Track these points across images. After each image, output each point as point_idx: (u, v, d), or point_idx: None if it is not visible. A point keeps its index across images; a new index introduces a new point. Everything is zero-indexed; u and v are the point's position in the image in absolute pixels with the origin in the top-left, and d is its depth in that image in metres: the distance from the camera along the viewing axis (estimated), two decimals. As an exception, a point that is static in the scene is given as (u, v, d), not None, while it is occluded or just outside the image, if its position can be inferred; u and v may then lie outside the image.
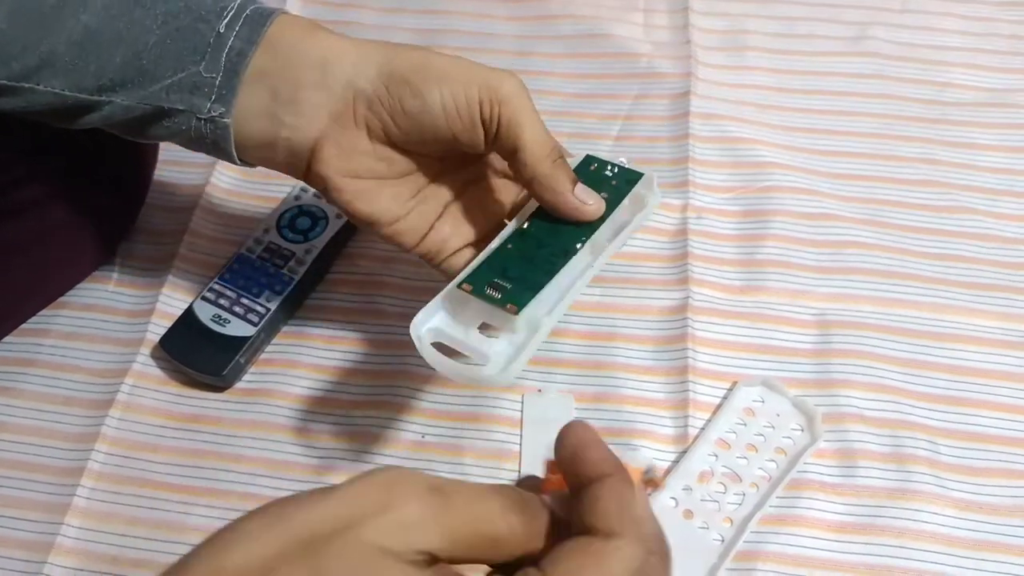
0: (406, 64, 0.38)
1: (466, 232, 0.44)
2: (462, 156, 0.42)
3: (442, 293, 0.39)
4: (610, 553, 0.24)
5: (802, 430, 0.48)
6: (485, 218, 0.45)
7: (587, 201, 0.41)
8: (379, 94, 0.38)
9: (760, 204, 0.58)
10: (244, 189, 0.60)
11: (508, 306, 0.38)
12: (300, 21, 0.39)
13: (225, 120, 0.38)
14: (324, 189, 0.40)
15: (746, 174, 0.60)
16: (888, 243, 0.56)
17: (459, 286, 0.39)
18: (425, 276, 0.54)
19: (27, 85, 0.38)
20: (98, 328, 0.53)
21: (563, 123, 0.64)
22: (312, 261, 0.54)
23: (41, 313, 0.53)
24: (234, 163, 0.41)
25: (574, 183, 0.41)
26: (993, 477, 0.46)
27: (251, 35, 0.37)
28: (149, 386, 0.51)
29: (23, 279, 0.52)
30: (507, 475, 0.47)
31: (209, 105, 0.38)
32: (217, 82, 0.37)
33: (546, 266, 0.39)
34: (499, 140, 0.40)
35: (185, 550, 0.47)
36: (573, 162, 0.44)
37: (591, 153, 0.44)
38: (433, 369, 0.37)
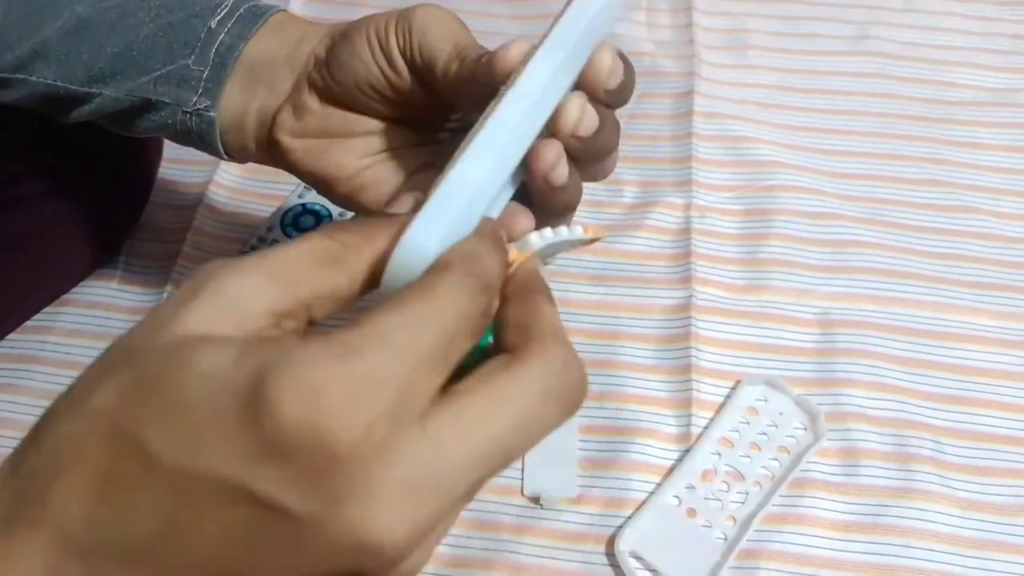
0: (346, 25, 0.36)
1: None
2: (430, 124, 0.39)
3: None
4: (436, 279, 0.22)
5: (805, 429, 0.48)
6: None
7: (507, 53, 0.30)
8: (323, 50, 0.37)
9: (763, 203, 0.58)
10: (248, 187, 0.60)
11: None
12: (294, 17, 0.39)
13: (211, 113, 0.38)
14: (277, 153, 0.39)
15: (749, 173, 0.60)
16: (891, 242, 0.56)
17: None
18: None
19: (21, 76, 0.38)
20: (101, 326, 0.53)
21: (566, 122, 0.64)
22: (315, 259, 0.54)
23: (44, 310, 0.53)
24: (220, 157, 0.40)
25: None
26: (997, 476, 0.46)
27: (242, 31, 0.38)
28: (152, 384, 0.51)
29: (24, 275, 0.52)
30: (509, 474, 0.47)
31: (195, 98, 0.38)
32: (205, 75, 0.37)
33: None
34: (421, 72, 0.34)
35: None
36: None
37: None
38: None
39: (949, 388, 0.50)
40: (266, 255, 0.23)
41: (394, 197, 0.34)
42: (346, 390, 0.19)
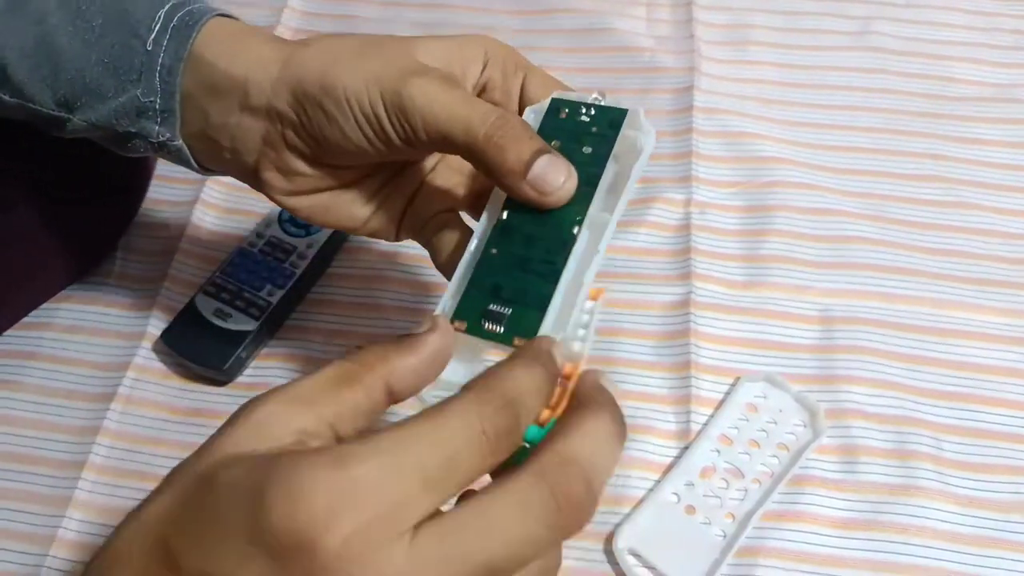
0: (312, 80, 0.34)
1: (441, 200, 0.40)
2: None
3: None
4: (450, 403, 0.24)
5: (805, 426, 0.48)
6: (458, 180, 0.41)
7: (549, 183, 0.31)
8: (299, 121, 0.35)
9: (763, 199, 0.58)
10: (244, 184, 0.60)
11: (517, 341, 0.30)
12: (226, 28, 0.37)
13: (175, 143, 0.37)
14: (290, 210, 0.39)
15: (749, 169, 0.59)
16: (891, 239, 0.56)
17: (451, 323, 0.31)
18: (426, 271, 0.54)
19: None
20: (99, 322, 0.53)
21: (565, 117, 0.63)
22: (313, 255, 0.54)
23: (42, 307, 0.53)
24: (205, 176, 0.40)
25: (534, 155, 0.31)
26: (996, 473, 0.46)
27: (179, 50, 0.36)
28: (151, 380, 0.51)
29: (20, 271, 0.52)
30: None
31: (157, 129, 0.37)
32: (157, 106, 0.36)
33: (544, 268, 0.31)
34: (425, 140, 0.34)
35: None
36: (539, 110, 0.35)
37: (558, 95, 0.35)
38: None
39: (949, 385, 0.50)
40: (290, 385, 0.25)
41: (407, 220, 0.37)
42: (332, 497, 0.21)
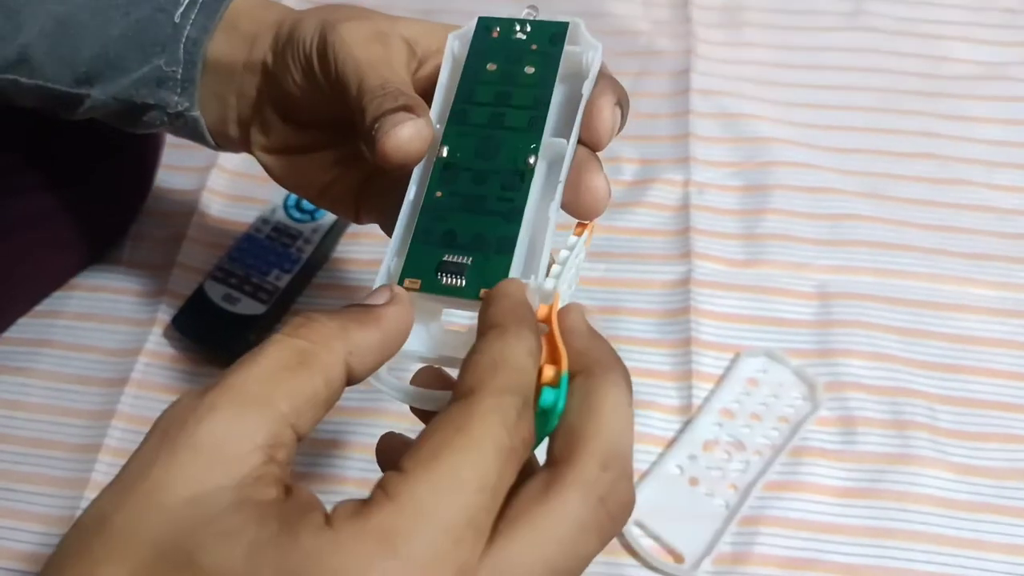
0: (286, 32, 0.34)
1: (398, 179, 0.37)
2: None
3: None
4: (470, 416, 0.21)
5: (804, 399, 0.49)
6: None
7: (394, 137, 0.27)
8: (273, 72, 0.35)
9: (761, 178, 0.59)
10: (251, 170, 0.60)
11: (483, 293, 0.26)
12: (250, 5, 0.37)
13: (194, 113, 0.38)
14: (263, 167, 0.39)
15: (746, 149, 0.60)
16: (887, 215, 0.57)
17: (400, 284, 0.26)
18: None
19: (11, 77, 0.38)
20: (110, 309, 0.54)
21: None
22: (319, 240, 0.54)
23: (54, 295, 0.54)
24: (215, 150, 0.41)
25: (392, 111, 0.28)
26: (990, 441, 0.48)
27: (206, 22, 0.37)
28: (162, 364, 0.52)
29: (32, 260, 0.53)
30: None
31: (176, 99, 0.38)
32: (179, 75, 0.37)
33: (502, 206, 0.27)
34: (333, 84, 0.32)
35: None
36: (464, 34, 0.31)
37: (484, 16, 0.30)
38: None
39: (944, 356, 0.51)
40: (229, 381, 0.21)
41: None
42: None
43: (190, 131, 0.39)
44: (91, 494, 0.47)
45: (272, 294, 0.52)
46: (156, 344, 0.52)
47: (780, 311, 0.53)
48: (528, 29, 0.30)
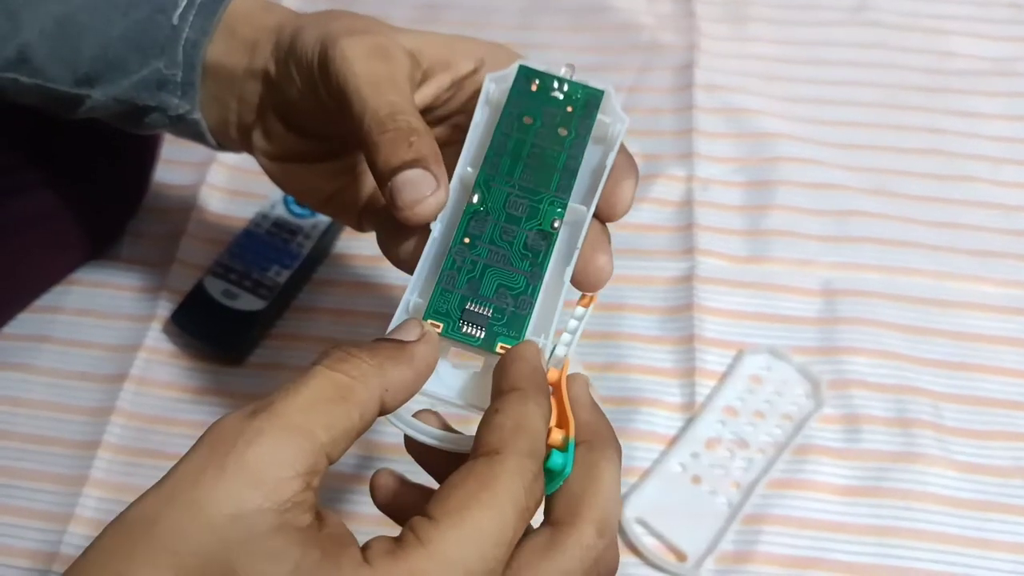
0: (287, 40, 0.34)
1: None
2: None
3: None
4: (495, 475, 0.23)
5: (807, 396, 0.49)
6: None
7: (404, 198, 0.28)
8: (276, 80, 0.35)
9: (764, 174, 0.58)
10: (250, 165, 0.59)
11: (500, 347, 0.27)
12: (250, 2, 0.37)
13: (194, 116, 0.38)
14: (267, 173, 0.39)
15: (750, 144, 0.60)
16: (892, 211, 0.56)
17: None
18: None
19: (11, 76, 0.38)
20: (109, 304, 0.54)
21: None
22: (319, 235, 0.54)
23: (53, 290, 0.54)
24: (217, 150, 0.41)
25: (403, 165, 0.28)
26: (996, 439, 0.47)
27: (204, 25, 0.36)
28: (162, 360, 0.51)
29: (31, 256, 0.52)
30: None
31: (177, 102, 0.37)
32: (179, 78, 0.37)
33: (525, 265, 0.28)
34: (335, 100, 0.32)
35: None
36: (503, 78, 0.31)
37: (524, 63, 0.31)
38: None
39: (949, 354, 0.50)
40: (276, 407, 0.22)
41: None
42: None
43: (192, 133, 0.39)
44: (90, 491, 0.46)
45: (272, 290, 0.52)
46: (156, 340, 0.52)
47: (784, 308, 0.52)
48: (566, 89, 0.31)
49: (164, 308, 0.53)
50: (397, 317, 0.28)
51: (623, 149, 0.31)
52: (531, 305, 0.28)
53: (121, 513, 0.22)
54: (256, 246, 0.54)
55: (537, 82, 0.31)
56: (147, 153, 0.58)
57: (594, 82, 0.31)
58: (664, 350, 0.51)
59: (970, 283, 0.53)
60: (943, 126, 0.61)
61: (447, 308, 0.28)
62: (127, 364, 0.51)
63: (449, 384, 0.28)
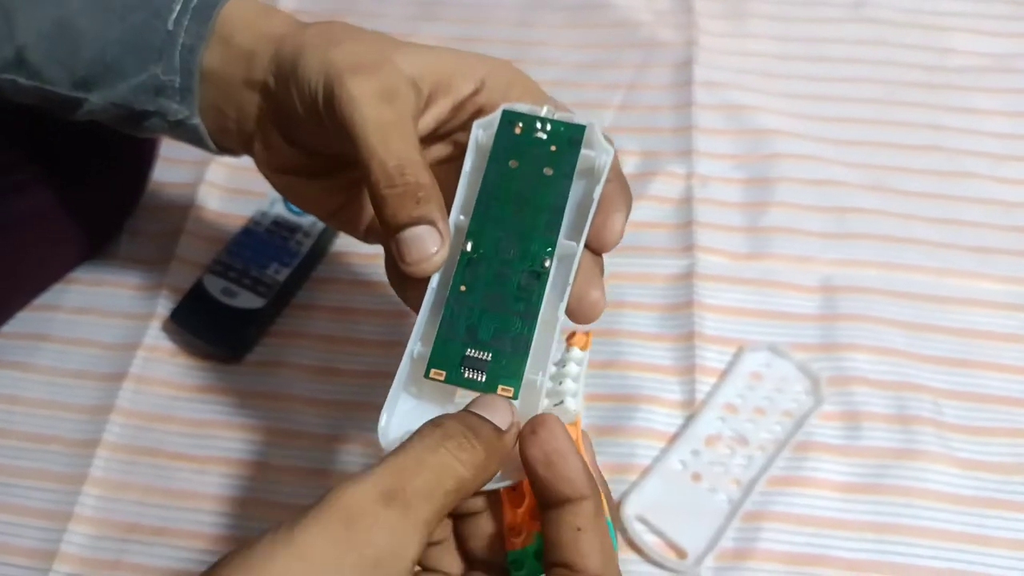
0: (290, 60, 0.33)
1: None
2: None
3: (403, 378, 0.30)
4: None
5: (807, 393, 0.49)
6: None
7: (411, 254, 0.29)
8: (278, 97, 0.35)
9: (764, 171, 0.58)
10: (248, 164, 0.59)
11: (501, 389, 0.29)
12: (245, 8, 0.36)
13: (193, 121, 0.38)
14: (270, 183, 0.39)
15: (750, 141, 0.60)
16: (892, 208, 0.56)
17: (427, 375, 0.29)
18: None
19: (9, 77, 0.38)
20: (108, 303, 0.53)
21: (565, 93, 0.62)
22: (319, 233, 0.54)
23: (51, 288, 0.54)
24: (217, 155, 0.40)
25: (409, 222, 0.29)
26: (996, 436, 0.47)
27: (200, 30, 0.36)
28: (161, 359, 0.51)
29: (29, 255, 0.52)
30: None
31: (176, 107, 0.37)
32: (177, 84, 0.37)
33: (519, 306, 0.29)
34: (341, 140, 0.32)
35: (200, 517, 0.48)
36: (489, 124, 0.32)
37: (508, 107, 0.32)
38: None
39: (949, 351, 0.50)
40: (409, 498, 0.24)
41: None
42: None
43: (191, 138, 0.39)
44: (90, 489, 0.46)
45: (271, 288, 0.52)
46: (155, 338, 0.52)
47: (784, 305, 0.52)
48: (548, 128, 0.31)
49: (163, 306, 0.52)
50: (403, 366, 0.30)
51: (618, 176, 0.31)
52: (527, 345, 0.29)
53: (254, 544, 0.23)
54: (255, 244, 0.54)
55: (521, 124, 0.31)
56: (146, 151, 0.57)
57: (578, 117, 0.31)
58: (664, 347, 0.51)
59: (970, 279, 0.53)
60: (943, 122, 0.61)
61: (449, 357, 0.29)
62: (126, 362, 0.50)
63: None
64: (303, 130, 0.35)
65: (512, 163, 0.31)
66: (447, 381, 0.29)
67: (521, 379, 0.29)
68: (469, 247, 0.30)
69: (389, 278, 0.33)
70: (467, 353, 0.29)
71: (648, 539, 0.44)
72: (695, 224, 0.55)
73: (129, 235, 0.57)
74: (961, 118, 0.61)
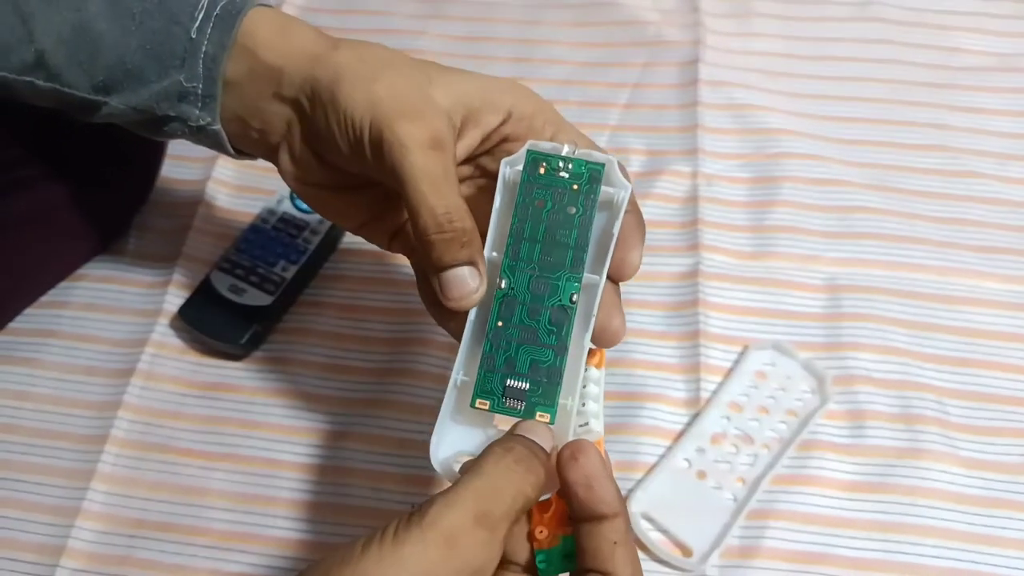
0: (327, 87, 0.34)
1: None
2: None
3: (449, 408, 0.34)
4: None
5: (812, 392, 0.49)
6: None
7: (451, 291, 0.33)
8: (312, 118, 0.35)
9: (770, 170, 0.58)
10: (256, 161, 0.60)
11: (539, 415, 0.32)
12: (268, 19, 0.37)
13: (215, 127, 0.38)
14: (297, 194, 0.39)
15: (755, 140, 0.60)
16: (897, 207, 0.57)
17: (473, 404, 0.33)
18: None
19: (28, 79, 0.38)
20: (116, 299, 0.54)
21: (571, 92, 0.64)
22: (326, 230, 0.54)
23: (60, 285, 0.54)
24: (236, 159, 0.41)
25: (453, 263, 0.33)
26: (1001, 436, 0.47)
27: (222, 38, 0.36)
28: (169, 355, 0.51)
29: (37, 251, 0.53)
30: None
31: (198, 113, 0.37)
32: (200, 91, 0.37)
33: (551, 339, 0.33)
34: (390, 183, 0.34)
35: (207, 514, 0.49)
36: (515, 161, 0.34)
37: (532, 146, 0.34)
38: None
39: (954, 350, 0.50)
40: (495, 519, 0.28)
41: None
42: None
43: (212, 143, 0.39)
44: (98, 485, 0.47)
45: (279, 285, 0.52)
46: (162, 335, 0.52)
47: (789, 304, 0.52)
48: (571, 168, 0.34)
49: (171, 303, 0.53)
50: (449, 394, 0.33)
51: (634, 209, 0.34)
52: (560, 374, 0.32)
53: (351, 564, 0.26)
54: (263, 241, 0.54)
55: (545, 164, 0.34)
56: (155, 148, 0.58)
57: (597, 155, 0.34)
58: (669, 346, 0.51)
59: (975, 279, 0.53)
60: (948, 122, 0.61)
61: (491, 388, 0.33)
62: (134, 359, 0.51)
63: (483, 443, 0.33)
64: (340, 157, 0.35)
65: (539, 203, 0.33)
66: (491, 410, 0.33)
67: (556, 406, 0.32)
68: (503, 285, 0.33)
69: (427, 306, 0.36)
70: (508, 384, 0.33)
71: (653, 536, 0.45)
72: (700, 223, 0.55)
73: (137, 232, 0.57)
74: (967, 117, 0.61)
